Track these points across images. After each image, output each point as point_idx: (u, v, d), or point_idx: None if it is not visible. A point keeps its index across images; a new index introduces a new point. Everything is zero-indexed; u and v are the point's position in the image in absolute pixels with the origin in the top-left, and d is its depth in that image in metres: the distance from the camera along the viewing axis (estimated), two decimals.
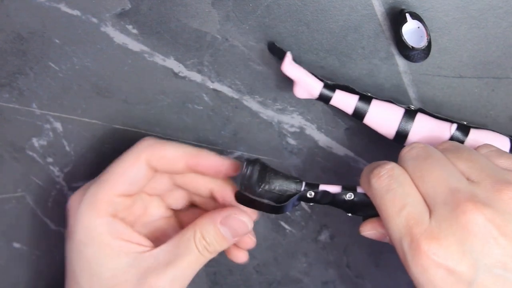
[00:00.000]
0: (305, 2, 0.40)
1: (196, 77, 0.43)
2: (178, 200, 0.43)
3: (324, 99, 0.40)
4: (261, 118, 0.44)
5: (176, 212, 0.43)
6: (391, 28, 0.40)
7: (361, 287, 0.48)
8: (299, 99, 0.43)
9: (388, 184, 0.32)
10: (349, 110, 0.40)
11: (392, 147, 0.40)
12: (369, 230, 0.36)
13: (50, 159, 0.46)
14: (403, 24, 0.38)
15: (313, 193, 0.36)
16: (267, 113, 0.44)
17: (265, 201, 0.36)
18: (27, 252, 0.48)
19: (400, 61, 0.41)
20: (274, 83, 0.42)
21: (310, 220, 0.47)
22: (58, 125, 0.44)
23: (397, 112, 0.39)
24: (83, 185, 0.39)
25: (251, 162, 0.35)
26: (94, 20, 0.41)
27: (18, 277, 0.49)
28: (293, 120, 0.43)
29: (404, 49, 0.39)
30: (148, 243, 0.38)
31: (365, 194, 0.35)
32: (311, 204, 0.37)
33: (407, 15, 0.38)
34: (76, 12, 0.41)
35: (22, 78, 0.43)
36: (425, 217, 0.31)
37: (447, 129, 0.39)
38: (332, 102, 0.40)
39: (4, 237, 0.48)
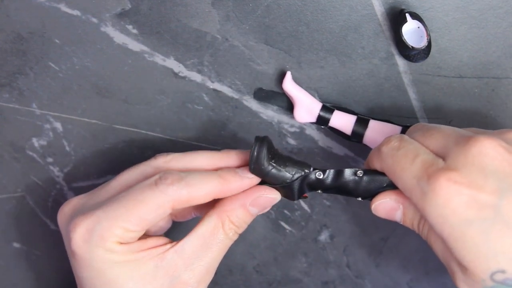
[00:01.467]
0: (305, 2, 0.40)
1: (196, 77, 0.43)
2: None
3: (323, 120, 0.41)
4: (261, 118, 0.44)
5: None
6: (391, 28, 0.40)
7: (361, 287, 0.48)
8: None
9: (399, 144, 0.33)
10: (348, 131, 0.41)
11: None
12: (381, 199, 0.35)
13: (50, 159, 0.46)
14: (403, 24, 0.38)
15: (321, 174, 0.36)
16: (267, 113, 0.43)
17: (273, 172, 0.35)
18: (27, 252, 0.48)
19: (400, 61, 0.41)
20: (274, 83, 0.42)
21: (310, 220, 0.47)
22: (58, 125, 0.44)
23: (394, 131, 0.40)
24: (89, 209, 0.36)
25: (260, 138, 0.36)
26: (94, 20, 0.41)
27: (18, 277, 0.49)
28: (293, 120, 0.43)
29: (404, 49, 0.39)
30: (162, 240, 0.36)
31: (374, 171, 0.35)
32: (319, 191, 0.36)
33: (407, 15, 0.38)
34: (76, 12, 0.41)
35: (22, 78, 0.43)
36: (439, 161, 0.31)
37: None
38: (331, 123, 0.41)
39: (4, 237, 0.48)
